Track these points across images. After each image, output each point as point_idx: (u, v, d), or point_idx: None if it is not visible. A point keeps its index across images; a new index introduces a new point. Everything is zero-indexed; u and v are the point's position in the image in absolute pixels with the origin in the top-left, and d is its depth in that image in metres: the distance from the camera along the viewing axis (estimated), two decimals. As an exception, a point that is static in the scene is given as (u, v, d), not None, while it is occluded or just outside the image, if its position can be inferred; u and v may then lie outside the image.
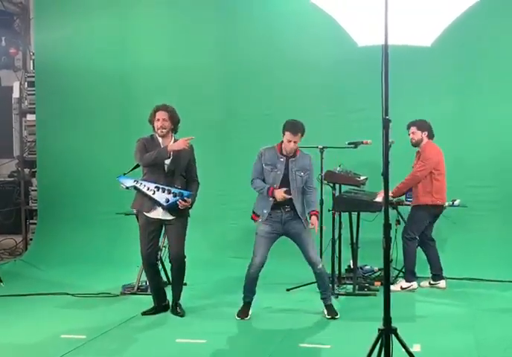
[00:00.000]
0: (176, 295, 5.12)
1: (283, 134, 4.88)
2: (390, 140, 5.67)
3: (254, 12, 7.13)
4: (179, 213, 4.92)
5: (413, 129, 5.93)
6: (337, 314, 4.94)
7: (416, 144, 5.96)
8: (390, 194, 5.57)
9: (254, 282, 4.95)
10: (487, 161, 6.71)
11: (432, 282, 6.00)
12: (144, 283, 5.72)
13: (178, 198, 4.81)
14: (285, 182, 4.87)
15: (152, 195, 4.85)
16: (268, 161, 4.89)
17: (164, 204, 4.84)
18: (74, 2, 7.52)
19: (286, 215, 4.88)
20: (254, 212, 4.99)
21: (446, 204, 6.20)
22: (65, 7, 7.53)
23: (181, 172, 4.98)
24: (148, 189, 4.87)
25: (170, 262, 5.08)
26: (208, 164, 6.83)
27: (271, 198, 4.83)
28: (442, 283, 5.98)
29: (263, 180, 4.92)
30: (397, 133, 5.99)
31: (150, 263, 5.06)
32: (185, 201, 4.84)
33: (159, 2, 7.40)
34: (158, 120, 4.93)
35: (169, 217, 4.95)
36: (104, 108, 7.48)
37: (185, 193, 4.85)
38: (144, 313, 5.06)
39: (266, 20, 7.07)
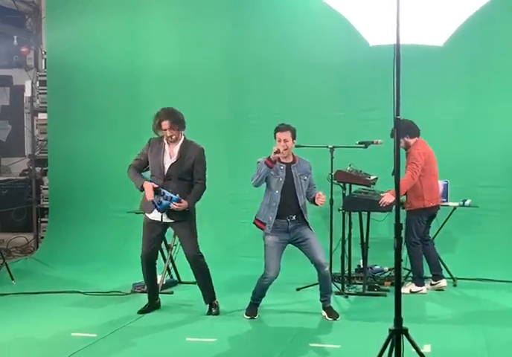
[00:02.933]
0: (207, 296, 5.07)
1: (275, 138, 4.90)
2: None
3: (264, 11, 7.10)
4: (181, 215, 4.92)
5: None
6: (338, 316, 4.93)
7: (405, 149, 5.80)
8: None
9: (267, 289, 4.96)
10: (498, 161, 6.66)
11: (432, 282, 5.95)
12: (154, 282, 5.74)
13: (168, 201, 4.83)
14: (287, 189, 4.86)
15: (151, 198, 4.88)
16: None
17: (158, 206, 4.86)
18: (85, 1, 7.54)
19: (291, 225, 4.88)
20: (256, 218, 4.97)
21: (457, 203, 6.20)
22: (77, 6, 7.55)
23: (180, 177, 4.93)
24: (153, 202, 4.87)
25: (188, 262, 5.07)
26: (217, 163, 6.81)
27: (271, 167, 4.74)
28: (443, 282, 5.93)
29: (267, 187, 4.91)
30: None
31: (149, 262, 5.07)
32: (176, 204, 4.84)
33: (169, 2, 7.41)
34: (165, 130, 4.92)
35: (170, 220, 4.96)
36: (115, 107, 7.49)
37: (174, 197, 4.83)
38: (141, 311, 5.08)
39: (275, 19, 7.05)
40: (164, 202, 4.85)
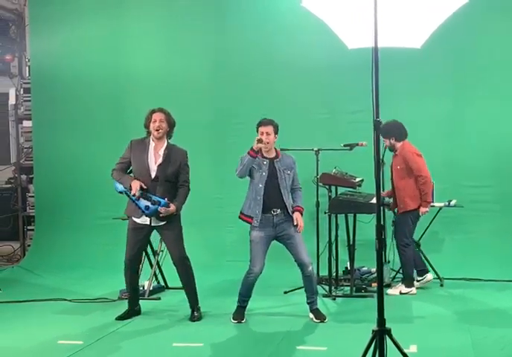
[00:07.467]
0: (191, 300, 5.05)
1: (258, 132, 4.91)
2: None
3: (248, 17, 7.14)
4: (169, 218, 4.90)
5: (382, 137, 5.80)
6: (325, 318, 4.94)
7: (390, 150, 5.89)
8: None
9: (252, 287, 4.96)
10: (483, 161, 6.71)
11: (418, 278, 5.96)
12: (142, 288, 5.71)
13: (157, 206, 4.82)
14: (271, 183, 4.87)
15: (136, 202, 4.85)
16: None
17: (145, 211, 4.85)
18: (69, 9, 7.53)
19: (276, 218, 4.89)
20: (242, 213, 4.96)
21: (442, 204, 6.24)
22: (60, 13, 7.55)
23: (167, 179, 4.92)
24: (134, 195, 4.85)
25: (174, 265, 5.05)
26: (203, 167, 6.87)
27: (254, 157, 4.74)
28: (429, 276, 5.97)
29: (251, 181, 4.92)
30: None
31: (133, 266, 5.05)
32: (164, 208, 4.82)
33: (152, 9, 7.41)
34: (155, 121, 4.90)
35: (160, 223, 4.94)
36: (100, 113, 7.49)
37: (162, 201, 4.82)
38: (120, 318, 5.03)
39: (259, 25, 7.08)
40: (152, 207, 4.83)
